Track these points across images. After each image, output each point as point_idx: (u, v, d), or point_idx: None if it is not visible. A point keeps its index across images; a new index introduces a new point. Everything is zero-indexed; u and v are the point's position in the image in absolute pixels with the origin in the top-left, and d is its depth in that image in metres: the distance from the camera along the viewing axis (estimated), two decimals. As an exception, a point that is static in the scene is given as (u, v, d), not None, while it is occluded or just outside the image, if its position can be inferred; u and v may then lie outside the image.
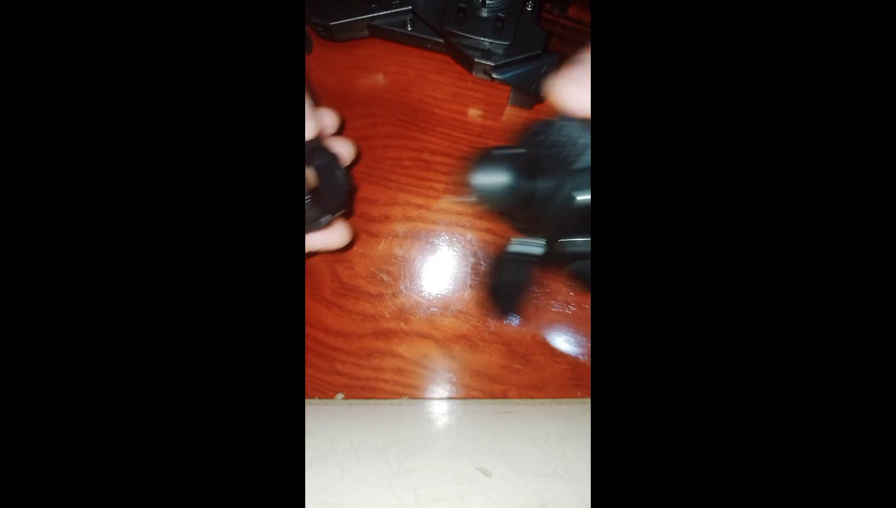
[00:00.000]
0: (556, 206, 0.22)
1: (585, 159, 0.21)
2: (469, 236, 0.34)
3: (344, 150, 0.29)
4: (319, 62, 0.37)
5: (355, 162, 0.31)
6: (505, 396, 0.33)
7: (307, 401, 0.33)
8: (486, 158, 0.22)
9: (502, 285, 0.28)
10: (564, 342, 0.34)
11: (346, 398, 0.33)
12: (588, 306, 0.34)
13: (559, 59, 0.33)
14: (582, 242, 0.25)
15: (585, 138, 0.21)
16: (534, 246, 0.27)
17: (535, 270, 0.28)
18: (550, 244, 0.24)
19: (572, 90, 0.19)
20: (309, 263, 0.34)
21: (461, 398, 0.33)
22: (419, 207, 0.35)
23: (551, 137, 0.22)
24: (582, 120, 0.21)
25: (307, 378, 0.33)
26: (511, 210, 0.23)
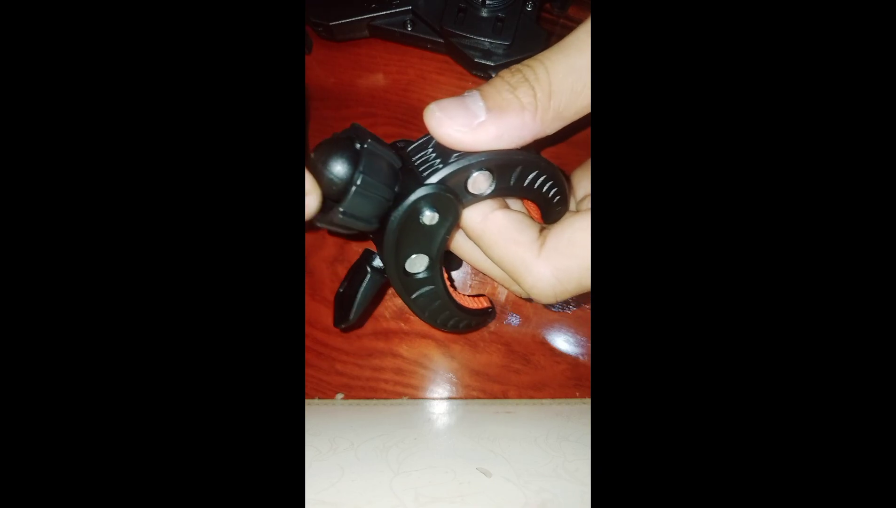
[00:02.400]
0: (400, 221, 0.21)
1: (438, 176, 0.21)
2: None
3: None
4: (319, 62, 0.37)
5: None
6: (505, 396, 0.33)
7: (307, 401, 0.33)
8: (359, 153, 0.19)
9: (346, 293, 0.26)
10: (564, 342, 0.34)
11: (346, 398, 0.33)
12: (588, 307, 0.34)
13: None
14: (423, 265, 0.23)
15: (444, 160, 0.21)
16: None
17: (382, 286, 0.26)
18: (395, 262, 0.23)
19: (445, 124, 0.20)
20: (309, 262, 0.34)
21: (461, 398, 0.33)
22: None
23: (414, 154, 0.22)
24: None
25: (307, 378, 0.33)
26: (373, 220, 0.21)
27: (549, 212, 0.25)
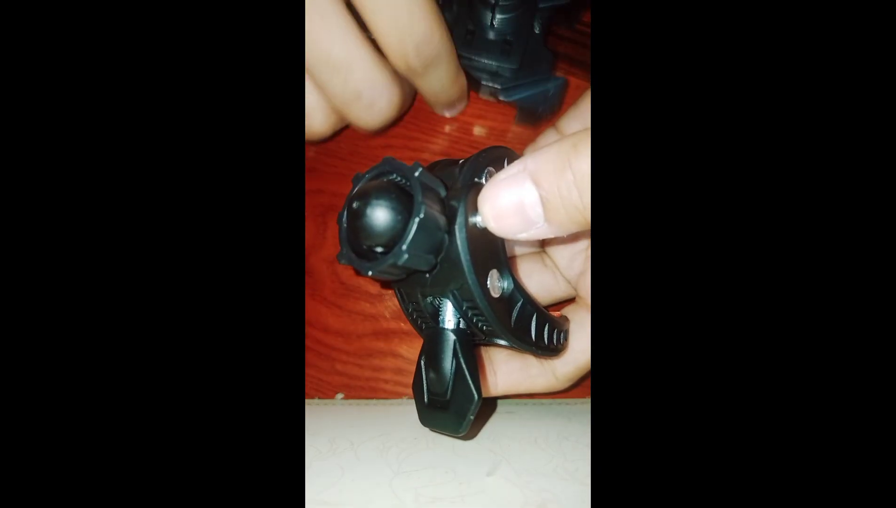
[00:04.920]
0: (464, 234, 0.19)
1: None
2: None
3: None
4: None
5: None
6: (505, 396, 0.33)
7: (307, 401, 0.33)
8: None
9: (437, 377, 0.21)
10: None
11: (346, 398, 0.33)
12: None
13: (566, 83, 0.33)
14: (502, 280, 0.20)
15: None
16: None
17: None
18: (478, 282, 0.19)
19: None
20: (309, 262, 0.34)
21: (461, 398, 0.33)
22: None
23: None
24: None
25: (307, 378, 0.33)
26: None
27: None
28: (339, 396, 0.33)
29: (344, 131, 0.36)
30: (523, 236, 0.19)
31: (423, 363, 0.22)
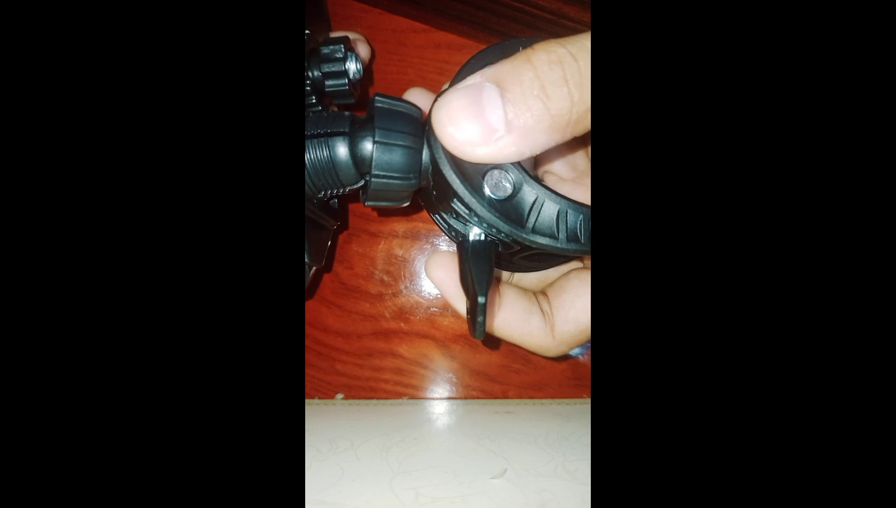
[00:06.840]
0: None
1: None
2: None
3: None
4: (319, 62, 0.37)
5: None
6: (505, 396, 0.33)
7: (307, 401, 0.33)
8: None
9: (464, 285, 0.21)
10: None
11: (346, 398, 0.33)
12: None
13: None
14: (506, 178, 0.19)
15: None
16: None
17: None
18: (470, 189, 0.18)
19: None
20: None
21: (461, 398, 0.33)
22: (419, 206, 0.35)
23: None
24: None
25: (307, 378, 0.33)
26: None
27: None
28: (339, 396, 0.33)
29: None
30: (483, 151, 0.17)
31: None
